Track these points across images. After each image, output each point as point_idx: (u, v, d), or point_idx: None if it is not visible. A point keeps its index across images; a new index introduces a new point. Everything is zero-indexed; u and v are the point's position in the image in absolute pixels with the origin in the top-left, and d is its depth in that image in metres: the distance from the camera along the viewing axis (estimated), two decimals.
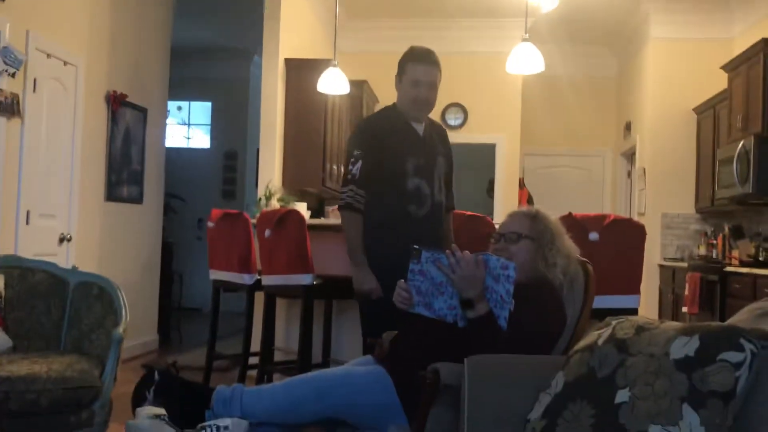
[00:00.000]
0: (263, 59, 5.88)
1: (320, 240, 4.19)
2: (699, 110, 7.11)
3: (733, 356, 1.44)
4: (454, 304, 2.15)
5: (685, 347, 1.51)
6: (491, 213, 7.88)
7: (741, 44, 6.43)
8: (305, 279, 3.83)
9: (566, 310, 2.31)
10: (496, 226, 3.25)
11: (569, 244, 2.42)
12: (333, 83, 4.98)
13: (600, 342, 1.72)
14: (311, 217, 5.05)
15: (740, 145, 5.58)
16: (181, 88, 8.46)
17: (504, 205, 7.86)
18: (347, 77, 5.17)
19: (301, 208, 4.85)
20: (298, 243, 3.81)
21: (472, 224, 3.49)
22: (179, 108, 9.71)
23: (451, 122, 8.20)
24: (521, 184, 8.30)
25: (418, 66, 2.97)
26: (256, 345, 4.28)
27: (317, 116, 6.02)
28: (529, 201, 8.20)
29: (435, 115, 8.08)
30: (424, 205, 2.94)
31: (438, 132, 3.17)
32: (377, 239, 2.91)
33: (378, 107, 8.09)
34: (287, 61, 5.98)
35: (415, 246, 2.16)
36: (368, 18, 7.96)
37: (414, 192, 2.93)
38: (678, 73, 7.31)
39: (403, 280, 2.22)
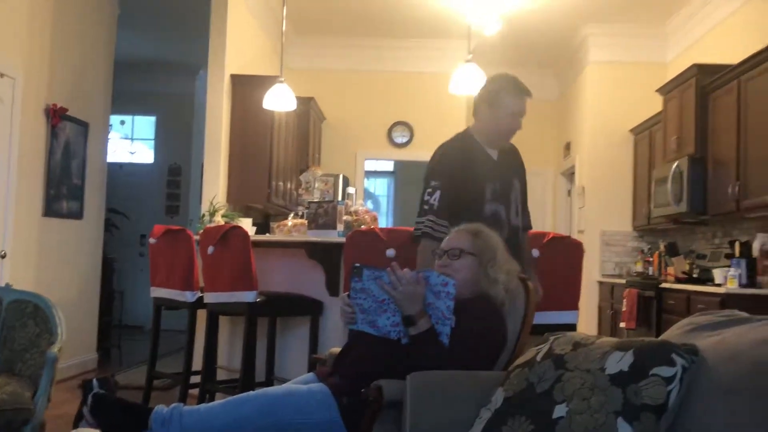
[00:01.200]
0: (208, 75, 5.84)
1: (265, 256, 4.16)
2: (636, 131, 7.34)
3: (665, 371, 1.49)
4: (397, 321, 2.17)
5: (619, 362, 1.55)
6: None
7: (675, 68, 6.68)
8: (249, 296, 3.79)
9: (507, 326, 2.35)
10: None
11: (511, 261, 2.46)
12: (279, 100, 4.97)
13: (539, 358, 1.75)
14: (256, 233, 5.00)
15: (675, 165, 5.78)
16: (125, 102, 8.33)
17: None
18: (295, 94, 5.17)
19: (246, 224, 4.80)
20: (241, 260, 3.77)
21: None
22: (122, 122, 9.53)
23: (398, 140, 8.28)
24: None
25: (519, 99, 2.97)
26: (198, 364, 4.21)
27: (263, 132, 5.99)
28: None
29: (382, 132, 8.21)
30: (502, 231, 2.85)
31: (511, 153, 3.14)
32: None
33: (325, 124, 8.15)
34: (233, 77, 5.94)
35: (355, 264, 2.18)
36: (316, 35, 7.99)
37: (491, 217, 2.89)
38: (616, 96, 7.55)
39: (346, 295, 2.23)
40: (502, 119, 2.96)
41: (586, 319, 7.26)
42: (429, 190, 2.92)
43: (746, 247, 5.09)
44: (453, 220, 2.82)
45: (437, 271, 2.26)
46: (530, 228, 3.23)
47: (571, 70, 8.44)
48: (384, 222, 10.89)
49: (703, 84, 5.58)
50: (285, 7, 5.29)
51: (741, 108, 5.00)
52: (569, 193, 8.78)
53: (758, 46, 4.78)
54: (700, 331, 1.64)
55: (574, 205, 8.37)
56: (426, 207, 2.90)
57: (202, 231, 4.19)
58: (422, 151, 8.36)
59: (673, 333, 1.74)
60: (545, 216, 9.08)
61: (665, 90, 6.32)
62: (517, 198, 3.05)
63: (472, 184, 2.92)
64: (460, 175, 2.92)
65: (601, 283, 7.34)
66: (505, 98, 2.96)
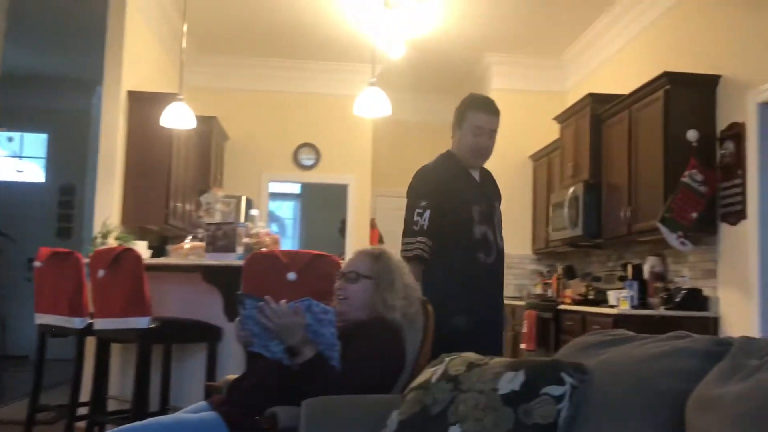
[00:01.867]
0: (104, 91, 5.61)
1: (160, 280, 3.99)
2: (535, 158, 7.57)
3: (555, 390, 1.50)
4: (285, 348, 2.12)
5: (511, 382, 1.55)
6: (343, 252, 7.91)
7: (572, 97, 6.96)
8: (141, 322, 3.60)
9: (406, 348, 2.32)
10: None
11: (411, 285, 2.44)
12: (178, 118, 4.82)
13: (434, 379, 1.73)
14: (152, 256, 4.80)
15: (571, 190, 5.99)
16: (14, 118, 7.89)
17: (356, 245, 7.93)
18: (197, 113, 5.03)
19: (142, 246, 4.60)
20: (134, 284, 3.59)
21: (317, 262, 3.46)
22: (10, 139, 9.02)
23: (304, 162, 8.21)
24: (372, 225, 8.42)
25: (481, 114, 2.98)
26: (87, 395, 3.97)
27: (162, 151, 5.80)
28: (380, 241, 8.33)
29: (287, 154, 8.11)
30: (491, 253, 2.89)
31: (490, 178, 3.15)
32: (449, 289, 2.81)
33: (228, 144, 7.98)
34: (130, 93, 5.73)
35: (237, 292, 2.14)
36: (220, 54, 7.85)
37: (482, 239, 2.89)
38: (517, 123, 7.75)
39: (238, 319, 2.17)
40: (467, 136, 2.98)
41: None
42: (419, 210, 2.90)
43: (638, 269, 5.31)
44: (443, 242, 2.82)
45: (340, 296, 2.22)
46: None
47: None
48: (289, 245, 10.75)
49: (598, 113, 5.82)
50: (185, 24, 5.15)
51: (632, 136, 5.24)
52: None
53: (647, 77, 5.03)
54: (589, 350, 1.66)
55: None
56: (416, 228, 2.87)
57: (92, 254, 3.97)
58: (329, 174, 8.36)
59: (564, 352, 1.75)
60: None
61: (562, 118, 6.55)
62: (499, 221, 3.05)
63: (460, 205, 2.91)
64: (446, 195, 2.92)
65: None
66: (467, 113, 3.00)
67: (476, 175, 3.08)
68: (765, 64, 4.29)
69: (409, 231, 2.92)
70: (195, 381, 4.11)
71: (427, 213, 2.90)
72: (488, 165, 8.40)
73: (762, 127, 4.34)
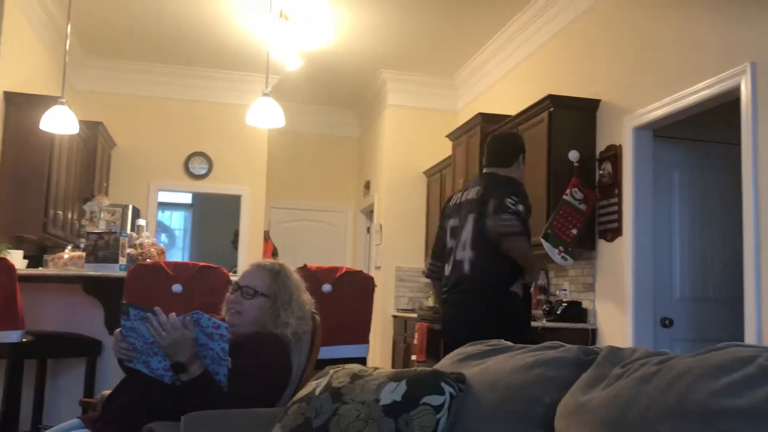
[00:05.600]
0: None
1: (35, 292, 3.78)
2: (429, 173, 7.73)
3: (434, 399, 1.53)
4: (169, 365, 2.03)
5: (393, 393, 1.57)
6: (236, 264, 7.77)
7: (464, 116, 7.16)
8: (13, 336, 3.39)
9: (292, 361, 2.30)
10: (231, 277, 3.19)
11: (306, 301, 2.42)
12: (59, 122, 4.59)
13: (317, 391, 1.73)
14: (29, 266, 4.54)
15: None
16: None
17: (249, 257, 7.81)
18: (82, 117, 4.82)
19: (16, 256, 4.34)
20: (5, 295, 3.38)
21: (204, 274, 3.38)
22: None
23: (196, 171, 8.02)
24: (266, 237, 8.32)
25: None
26: None
27: (41, 157, 5.50)
28: (274, 254, 8.23)
29: (178, 163, 7.88)
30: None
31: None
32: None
33: (115, 151, 7.69)
34: (7, 94, 5.41)
35: (122, 302, 2.02)
36: (108, 58, 7.56)
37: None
38: (412, 139, 7.92)
39: (119, 331, 2.06)
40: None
41: (382, 353, 7.43)
42: None
43: None
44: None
45: (230, 310, 2.15)
46: (497, 232, 3.28)
47: (371, 112, 8.74)
48: (179, 256, 10.46)
49: (487, 131, 6.00)
50: (69, 24, 4.91)
51: None
52: (368, 230, 9.01)
53: (533, 100, 5.25)
54: (469, 360, 1.71)
55: (372, 242, 8.60)
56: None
57: None
58: (222, 184, 8.20)
59: (445, 363, 1.80)
60: (346, 252, 9.24)
61: (454, 136, 6.73)
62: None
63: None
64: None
65: (395, 317, 7.56)
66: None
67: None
68: (640, 91, 4.58)
69: None
70: (71, 398, 3.91)
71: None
72: (386, 180, 8.51)
73: (637, 150, 4.62)
